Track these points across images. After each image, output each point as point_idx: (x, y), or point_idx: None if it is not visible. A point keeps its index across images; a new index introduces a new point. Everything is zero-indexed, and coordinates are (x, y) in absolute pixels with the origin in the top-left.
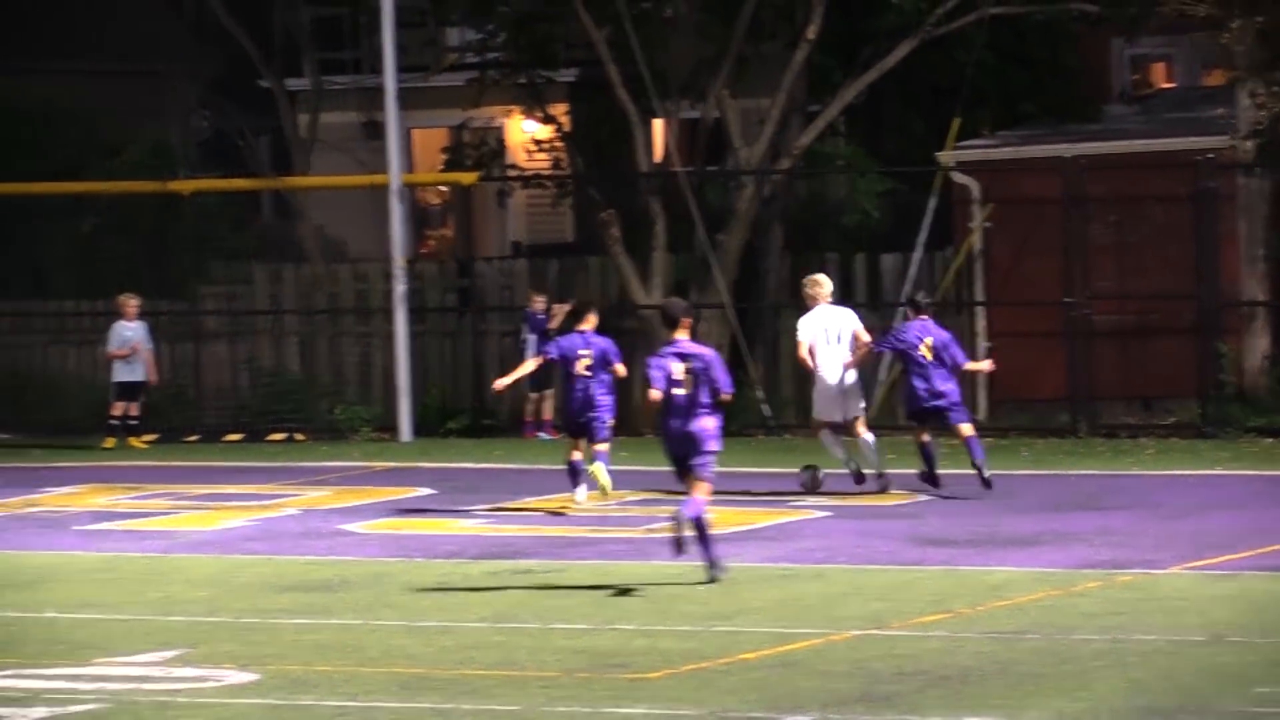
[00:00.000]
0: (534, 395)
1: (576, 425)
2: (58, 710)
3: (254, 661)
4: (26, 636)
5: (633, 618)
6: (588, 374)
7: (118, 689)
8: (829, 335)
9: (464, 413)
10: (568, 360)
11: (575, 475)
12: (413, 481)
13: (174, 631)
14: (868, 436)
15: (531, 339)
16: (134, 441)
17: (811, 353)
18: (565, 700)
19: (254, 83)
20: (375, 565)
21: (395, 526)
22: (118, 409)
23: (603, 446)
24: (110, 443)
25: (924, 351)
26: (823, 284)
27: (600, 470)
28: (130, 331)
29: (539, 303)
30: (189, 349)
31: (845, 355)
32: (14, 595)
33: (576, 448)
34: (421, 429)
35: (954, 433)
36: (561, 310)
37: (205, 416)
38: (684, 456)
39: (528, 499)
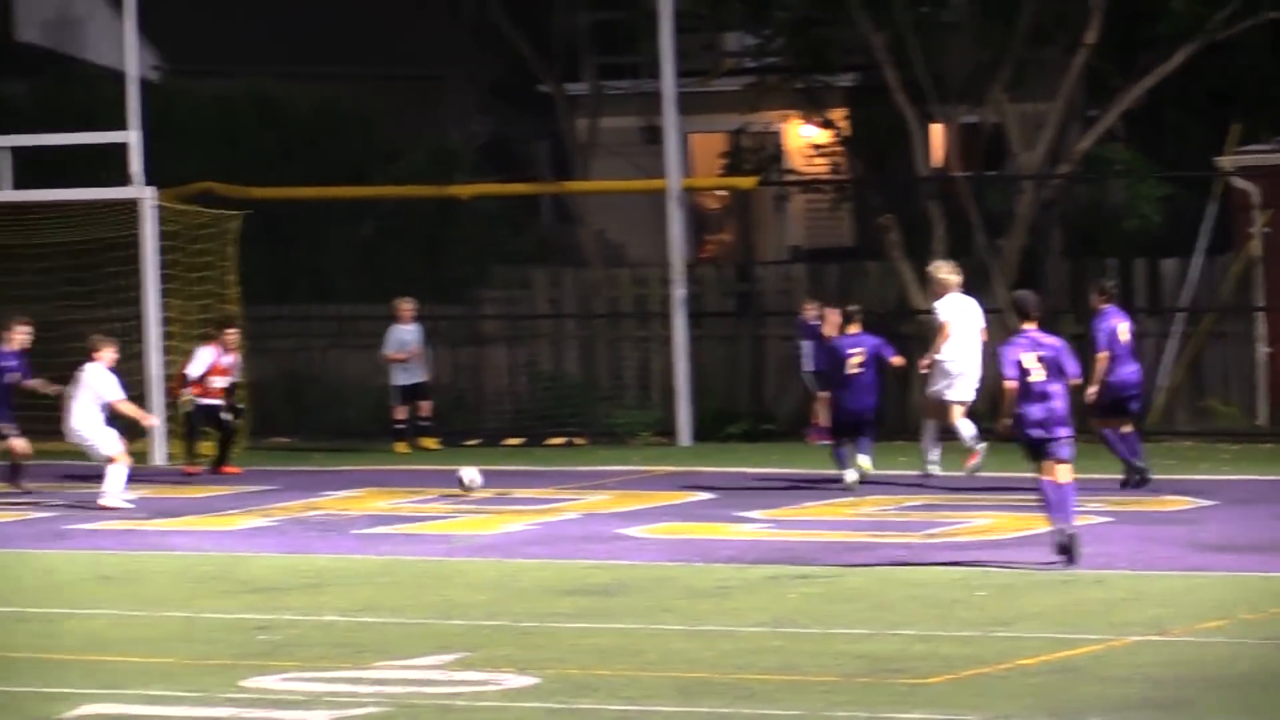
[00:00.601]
0: (823, 396)
1: (848, 424)
2: (338, 714)
3: (533, 665)
4: (307, 640)
5: (913, 623)
6: (859, 370)
7: (398, 692)
8: (966, 321)
9: (743, 417)
10: (839, 361)
11: (841, 460)
12: (691, 485)
13: (454, 635)
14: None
15: (806, 345)
16: (427, 442)
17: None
18: (845, 705)
19: (533, 87)
20: (654, 569)
21: (674, 531)
22: (401, 413)
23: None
24: (402, 448)
25: (1122, 336)
26: (943, 270)
27: (868, 463)
28: (408, 335)
29: (811, 310)
30: (469, 353)
31: (978, 341)
32: (295, 598)
33: (845, 444)
34: (700, 433)
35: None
36: (834, 315)
37: (485, 420)
38: (1040, 440)
39: (806, 503)
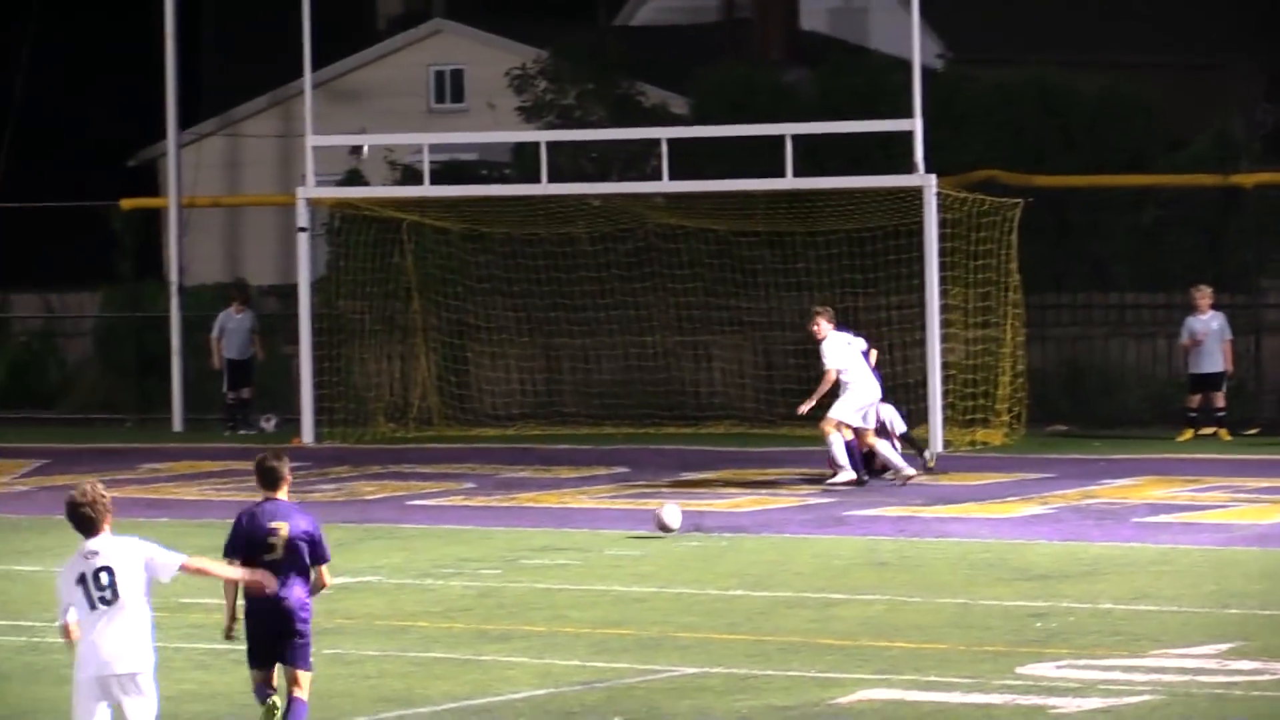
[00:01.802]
0: None
1: None
2: (1113, 701)
3: None
4: (1082, 627)
5: None
6: None
7: (1172, 680)
8: None
9: None
10: None
11: None
12: None
13: (1229, 624)
14: None
15: None
16: (1222, 434)
17: None
18: None
19: None
20: None
21: None
22: (1194, 401)
23: None
24: (1186, 435)
25: None
26: None
27: None
28: (1199, 324)
29: None
30: (1250, 341)
31: None
32: (1070, 586)
33: None
34: None
35: None
36: None
37: (1265, 409)
38: None
39: None
